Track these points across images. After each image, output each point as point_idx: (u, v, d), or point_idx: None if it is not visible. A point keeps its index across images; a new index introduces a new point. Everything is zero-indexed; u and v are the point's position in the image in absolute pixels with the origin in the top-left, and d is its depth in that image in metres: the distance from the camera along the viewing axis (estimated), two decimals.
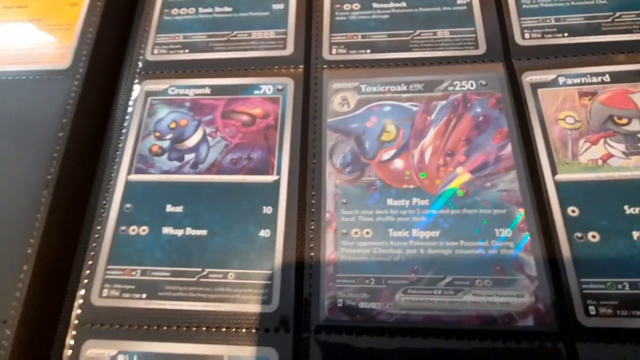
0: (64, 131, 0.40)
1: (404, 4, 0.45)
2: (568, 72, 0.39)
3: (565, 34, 0.41)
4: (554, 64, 0.40)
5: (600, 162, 0.35)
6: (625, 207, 0.33)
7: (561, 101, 0.38)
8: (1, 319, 0.33)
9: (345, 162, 0.38)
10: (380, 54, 0.42)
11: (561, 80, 0.39)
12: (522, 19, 0.42)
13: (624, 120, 0.37)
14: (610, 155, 0.35)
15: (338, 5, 0.45)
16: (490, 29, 0.43)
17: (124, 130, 0.41)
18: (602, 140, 0.36)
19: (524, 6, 0.43)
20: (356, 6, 0.45)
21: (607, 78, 0.39)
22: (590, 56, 0.40)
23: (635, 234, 0.32)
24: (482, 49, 0.42)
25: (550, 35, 0.41)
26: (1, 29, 0.48)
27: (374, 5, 0.45)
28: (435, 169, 0.36)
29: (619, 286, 0.30)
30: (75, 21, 0.47)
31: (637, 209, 0.33)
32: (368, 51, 0.43)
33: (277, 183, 0.37)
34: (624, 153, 0.35)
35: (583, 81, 0.39)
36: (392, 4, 0.45)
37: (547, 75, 0.39)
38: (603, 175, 0.35)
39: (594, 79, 0.39)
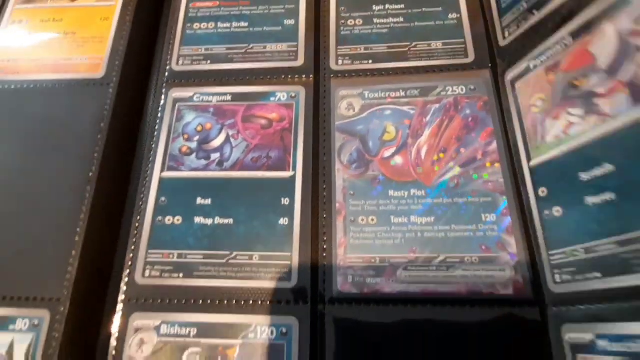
0: (102, 133, 0.45)
1: (401, 19, 0.49)
2: (536, 53, 0.40)
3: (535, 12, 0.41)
4: (525, 52, 0.41)
5: (562, 135, 0.35)
6: (580, 174, 0.33)
7: (532, 86, 0.40)
8: (55, 297, 0.38)
9: (352, 159, 0.42)
10: (381, 63, 0.47)
11: (532, 64, 0.40)
12: (502, 19, 0.45)
13: (582, 81, 0.35)
14: (571, 124, 0.35)
15: (343, 21, 0.49)
16: (478, 39, 0.47)
17: (155, 133, 0.45)
18: (563, 113, 0.36)
19: (503, 5, 0.46)
20: (359, 22, 0.49)
21: (568, 40, 0.37)
22: (548, 25, 0.39)
23: (588, 199, 0.33)
24: (471, 57, 0.46)
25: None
26: (40, 40, 0.52)
27: (375, 20, 0.49)
28: (430, 164, 0.41)
29: (575, 253, 0.33)
30: (107, 34, 0.51)
31: (590, 174, 0.33)
32: (370, 61, 0.47)
33: (293, 178, 0.42)
34: (581, 117, 0.34)
35: (549, 55, 0.38)
36: (390, 19, 0.49)
37: (521, 66, 0.41)
38: (565, 148, 0.35)
39: (557, 47, 0.38)
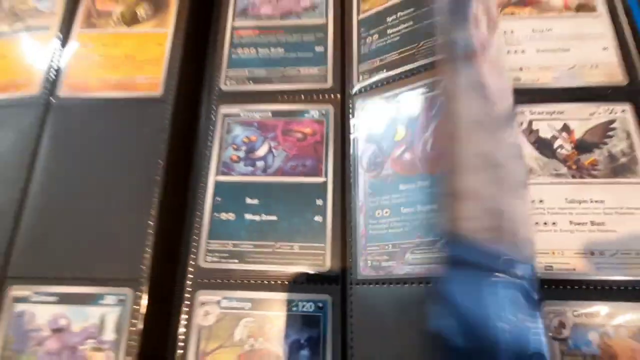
0: (163, 143, 0.54)
1: (411, 23, 0.53)
2: None
3: None
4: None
5: None
6: None
7: None
8: (136, 277, 0.48)
9: (370, 163, 0.49)
10: (393, 70, 0.51)
11: None
12: None
13: None
14: None
15: (362, 41, 0.56)
16: None
17: (209, 144, 0.54)
18: None
19: None
20: (375, 37, 0.55)
21: None
22: None
23: None
24: None
25: None
26: (104, 61, 0.61)
27: (388, 31, 0.54)
28: (435, 156, 0.45)
29: None
30: (162, 58, 0.59)
31: None
32: (384, 71, 0.52)
33: (325, 183, 0.50)
34: None
35: None
36: (402, 26, 0.53)
37: None
38: None
39: None
